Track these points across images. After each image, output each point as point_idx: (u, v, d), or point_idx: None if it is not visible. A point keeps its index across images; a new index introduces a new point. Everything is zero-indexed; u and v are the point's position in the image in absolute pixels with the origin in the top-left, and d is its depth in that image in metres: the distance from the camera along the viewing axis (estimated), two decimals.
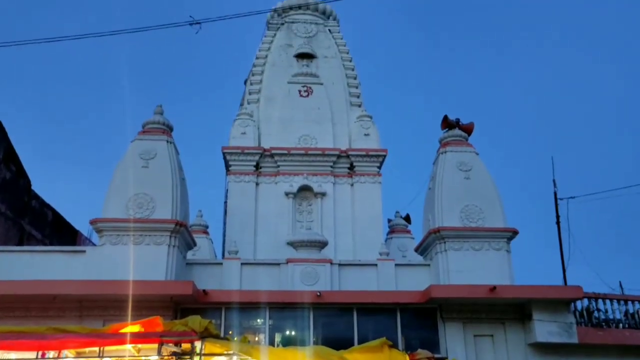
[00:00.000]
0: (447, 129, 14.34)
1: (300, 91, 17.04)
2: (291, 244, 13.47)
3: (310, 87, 17.08)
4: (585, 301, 12.06)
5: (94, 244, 16.87)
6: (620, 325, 12.10)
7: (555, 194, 19.12)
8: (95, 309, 11.13)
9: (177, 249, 12.01)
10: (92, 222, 11.93)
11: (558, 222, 18.85)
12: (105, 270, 11.25)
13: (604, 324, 12.01)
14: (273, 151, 15.97)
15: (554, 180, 19.23)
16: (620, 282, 20.26)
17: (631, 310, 12.34)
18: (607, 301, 12.27)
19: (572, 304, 11.68)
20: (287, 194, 15.69)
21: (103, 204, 12.12)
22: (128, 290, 10.35)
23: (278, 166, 15.99)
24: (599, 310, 12.13)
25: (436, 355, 10.96)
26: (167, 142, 12.91)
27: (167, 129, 13.21)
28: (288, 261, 12.81)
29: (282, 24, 18.51)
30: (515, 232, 12.72)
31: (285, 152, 15.95)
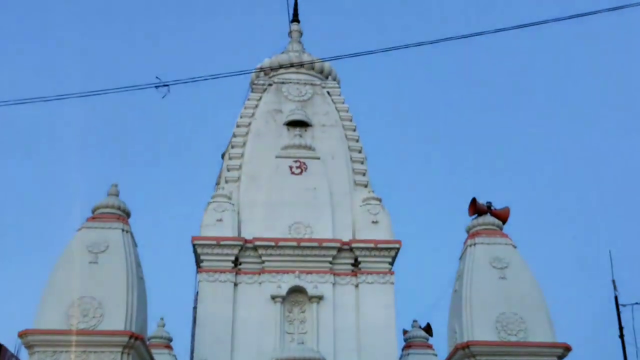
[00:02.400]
0: (476, 215, 14.49)
1: (291, 167, 17.23)
2: None
3: (304, 163, 17.29)
4: None
5: None
6: None
7: (616, 298, 19.00)
8: None
9: None
10: (22, 335, 11.71)
11: (622, 335, 18.58)
12: None
13: None
14: (256, 242, 15.94)
15: (613, 281, 19.15)
16: None
17: None
18: None
19: None
20: (273, 297, 15.53)
21: (37, 310, 11.95)
22: None
23: (263, 262, 15.93)
24: None
25: None
26: (123, 231, 12.94)
27: (123, 215, 13.27)
28: None
29: (270, 85, 19.04)
30: (567, 349, 12.60)
31: (272, 244, 15.92)
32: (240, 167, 17.51)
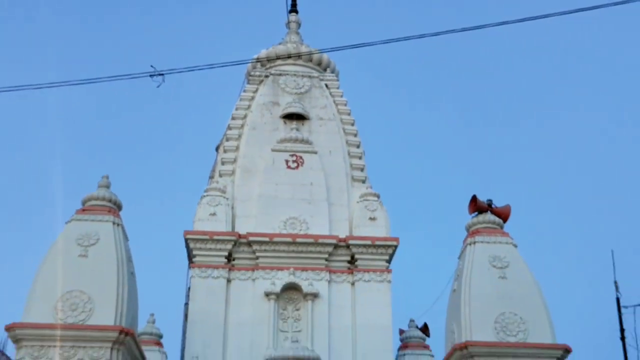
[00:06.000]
0: (476, 213, 14.54)
1: (287, 161, 17.26)
2: None
3: (300, 157, 17.32)
4: None
5: (8, 358, 16.43)
6: None
7: (617, 300, 19.05)
8: None
9: None
10: (8, 329, 11.71)
11: (623, 337, 18.66)
12: None
13: None
14: (250, 238, 15.97)
15: (615, 283, 19.21)
16: None
17: None
18: None
19: None
20: (267, 294, 15.56)
21: (24, 304, 11.96)
22: None
23: (257, 258, 15.96)
24: None
25: None
26: (114, 224, 12.95)
27: (114, 208, 13.27)
28: None
29: (267, 76, 19.05)
30: (567, 350, 12.71)
31: (267, 239, 15.94)
32: (235, 160, 17.53)
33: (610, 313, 19.24)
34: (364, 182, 17.57)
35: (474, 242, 13.85)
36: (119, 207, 13.41)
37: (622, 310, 18.94)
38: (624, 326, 18.55)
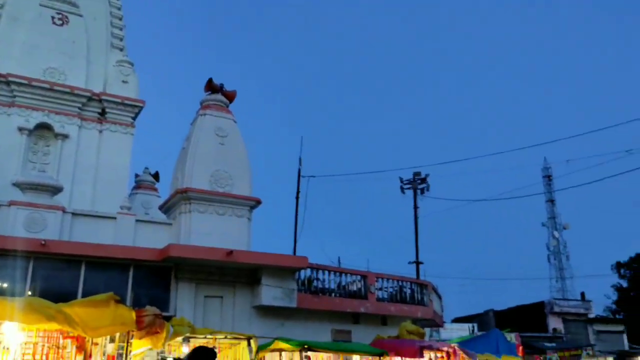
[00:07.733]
0: (210, 92, 14.22)
1: (54, 18, 15.05)
2: (18, 185, 11.91)
3: (66, 16, 15.21)
4: (309, 271, 13.26)
5: None
6: (333, 294, 13.63)
7: (299, 171, 20.60)
8: None
9: None
10: None
11: (297, 198, 20.41)
12: None
13: (320, 292, 13.38)
14: (10, 78, 13.85)
15: (300, 159, 20.68)
16: (339, 257, 22.97)
17: (343, 282, 13.98)
18: (326, 272, 13.69)
19: (297, 272, 12.73)
20: (20, 129, 13.81)
21: None
22: None
23: (14, 97, 13.95)
24: (318, 279, 13.46)
25: (164, 314, 10.91)
26: None
27: None
28: (10, 204, 11.30)
29: None
30: (258, 202, 13.26)
31: (26, 82, 13.97)
32: (2, 6, 14.78)
33: (293, 181, 20.87)
34: (121, 50, 16.09)
35: (205, 114, 13.55)
36: None
37: (302, 179, 20.63)
38: (300, 190, 20.31)
